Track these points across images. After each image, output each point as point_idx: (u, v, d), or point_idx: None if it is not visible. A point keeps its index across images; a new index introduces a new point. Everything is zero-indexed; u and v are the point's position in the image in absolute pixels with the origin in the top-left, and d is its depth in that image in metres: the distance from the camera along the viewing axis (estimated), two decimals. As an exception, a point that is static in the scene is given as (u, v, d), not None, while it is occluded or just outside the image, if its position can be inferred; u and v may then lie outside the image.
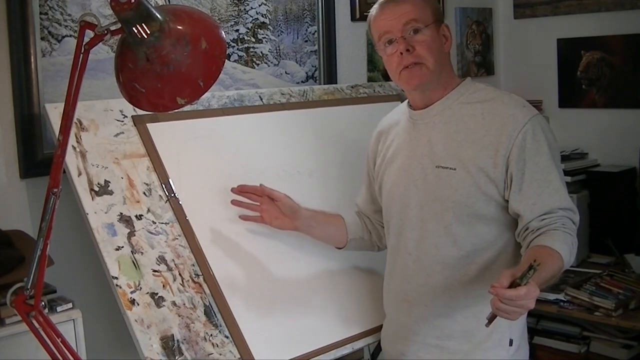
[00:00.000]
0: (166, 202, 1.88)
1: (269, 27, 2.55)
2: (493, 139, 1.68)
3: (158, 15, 1.33)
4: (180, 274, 1.80)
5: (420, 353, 1.81)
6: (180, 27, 1.35)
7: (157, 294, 1.73)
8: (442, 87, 1.78)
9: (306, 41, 2.67)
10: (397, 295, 1.86)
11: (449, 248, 1.74)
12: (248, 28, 2.49)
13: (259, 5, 2.51)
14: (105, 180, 1.82)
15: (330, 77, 2.72)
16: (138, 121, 1.95)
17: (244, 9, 2.47)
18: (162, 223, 1.85)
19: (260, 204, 1.95)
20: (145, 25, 1.30)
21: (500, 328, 1.72)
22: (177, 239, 1.84)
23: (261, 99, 2.26)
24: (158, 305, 1.72)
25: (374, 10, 1.82)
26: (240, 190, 1.95)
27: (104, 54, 2.08)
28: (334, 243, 2.02)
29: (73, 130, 1.80)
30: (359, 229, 2.01)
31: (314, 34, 2.69)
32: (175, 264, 1.80)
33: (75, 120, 1.80)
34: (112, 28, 1.33)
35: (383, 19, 1.76)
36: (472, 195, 1.70)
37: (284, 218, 1.93)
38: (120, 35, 1.36)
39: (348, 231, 1.99)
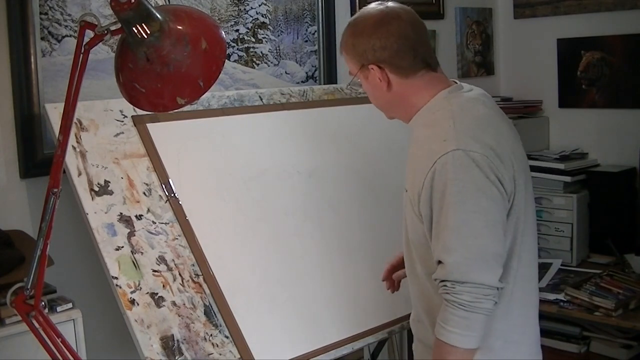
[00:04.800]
0: (166, 202, 1.88)
1: (269, 27, 2.55)
2: (418, 173, 1.58)
3: (158, 15, 1.33)
4: (180, 274, 1.80)
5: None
6: (180, 27, 1.36)
7: (157, 294, 1.73)
8: (410, 109, 1.68)
9: (306, 41, 2.67)
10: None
11: (416, 264, 1.69)
12: (248, 28, 2.48)
13: (259, 5, 2.51)
14: (105, 180, 1.82)
15: (330, 77, 2.71)
16: (138, 121, 1.95)
17: (244, 9, 2.47)
18: (162, 223, 1.85)
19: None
20: (145, 25, 1.30)
21: None
22: (177, 239, 1.84)
23: (261, 99, 2.26)
24: (158, 305, 1.72)
25: None
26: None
27: (104, 54, 2.08)
28: None
29: (73, 130, 1.80)
30: None
31: (314, 34, 2.69)
32: (175, 264, 1.80)
33: (75, 120, 1.80)
34: (112, 28, 1.33)
35: None
36: (413, 221, 1.63)
37: None
38: (120, 35, 1.36)
39: None
